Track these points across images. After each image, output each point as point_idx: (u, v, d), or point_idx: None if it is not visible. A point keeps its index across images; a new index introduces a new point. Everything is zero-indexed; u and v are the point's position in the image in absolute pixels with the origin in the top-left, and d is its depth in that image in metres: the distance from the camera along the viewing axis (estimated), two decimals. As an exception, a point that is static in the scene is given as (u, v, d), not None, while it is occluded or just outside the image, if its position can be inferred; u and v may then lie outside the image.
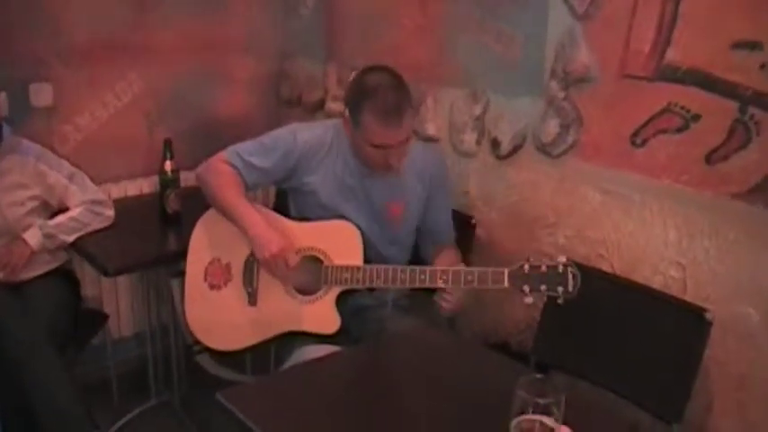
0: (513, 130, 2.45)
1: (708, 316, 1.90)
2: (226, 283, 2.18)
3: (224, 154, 2.22)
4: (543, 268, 1.84)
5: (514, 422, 1.30)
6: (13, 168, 2.50)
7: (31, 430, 2.26)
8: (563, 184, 2.33)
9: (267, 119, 3.36)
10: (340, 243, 2.11)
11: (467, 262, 2.52)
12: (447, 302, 2.04)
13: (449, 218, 2.35)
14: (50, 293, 2.55)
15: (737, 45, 1.84)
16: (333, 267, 2.09)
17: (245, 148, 2.22)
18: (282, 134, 2.23)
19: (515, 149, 2.46)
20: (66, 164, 2.63)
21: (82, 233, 2.59)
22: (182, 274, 2.27)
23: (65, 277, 2.69)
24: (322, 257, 2.11)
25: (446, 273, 1.98)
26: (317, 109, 3.31)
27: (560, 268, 1.84)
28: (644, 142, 2.09)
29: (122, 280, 3.08)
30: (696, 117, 1.96)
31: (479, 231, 2.58)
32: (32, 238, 2.52)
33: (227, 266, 2.19)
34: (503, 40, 2.43)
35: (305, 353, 2.02)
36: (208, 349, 2.24)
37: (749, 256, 1.91)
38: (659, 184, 2.07)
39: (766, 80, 1.80)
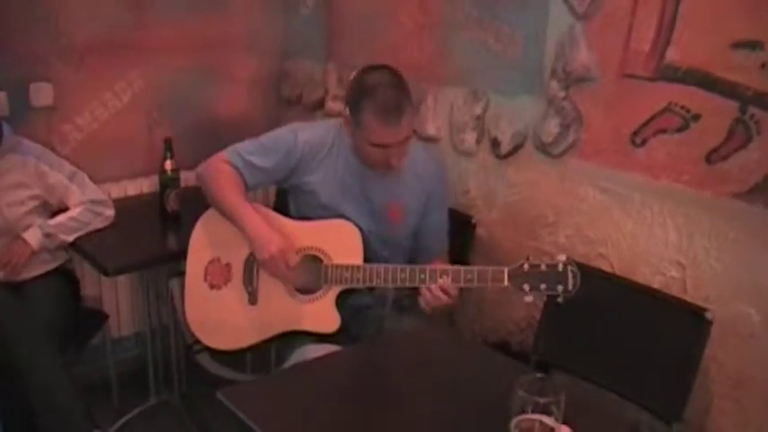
0: (513, 130, 2.45)
1: (708, 315, 1.90)
2: (226, 283, 2.18)
3: (224, 153, 2.22)
4: (543, 267, 1.84)
5: (514, 421, 1.30)
6: (14, 168, 2.50)
7: (31, 429, 2.26)
8: (563, 183, 2.33)
9: (267, 118, 3.36)
10: (340, 242, 2.11)
11: (467, 261, 2.53)
12: (426, 297, 1.98)
13: (443, 230, 2.32)
14: (50, 293, 2.55)
15: (738, 45, 1.84)
16: (333, 267, 2.09)
17: (245, 147, 2.22)
18: (283, 134, 2.23)
19: (515, 149, 2.46)
20: (66, 163, 2.63)
21: (82, 233, 2.59)
22: (182, 273, 2.27)
23: (65, 277, 2.70)
24: (322, 257, 2.11)
25: (446, 272, 1.98)
26: (317, 108, 3.31)
27: (560, 267, 1.83)
28: (644, 142, 2.09)
29: (122, 279, 3.08)
30: (696, 117, 1.96)
31: (479, 231, 2.58)
32: (32, 237, 2.52)
33: (227, 266, 2.19)
34: (503, 39, 2.43)
35: (305, 352, 2.02)
36: (208, 349, 2.24)
37: (749, 256, 1.91)
38: (659, 183, 2.07)
39: (766, 80, 1.80)
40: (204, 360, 2.77)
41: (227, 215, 2.15)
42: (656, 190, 2.08)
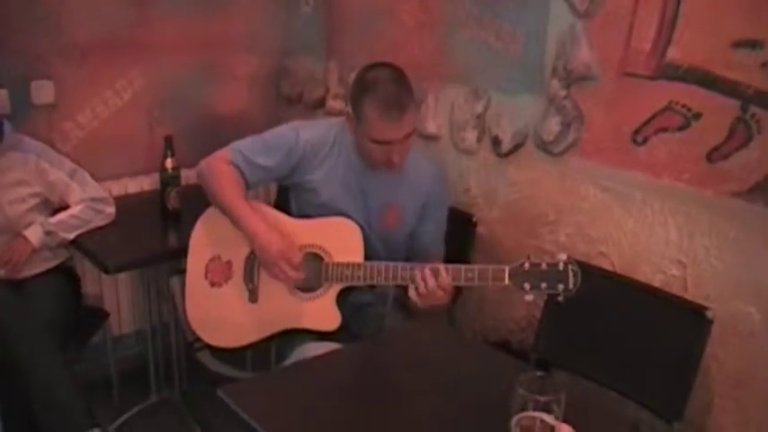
0: (513, 128, 2.45)
1: (709, 314, 1.90)
2: (226, 281, 2.19)
3: (225, 151, 2.22)
4: (544, 266, 1.84)
5: (515, 419, 1.30)
6: (15, 165, 2.51)
7: (31, 427, 2.27)
8: (564, 182, 2.33)
9: (268, 116, 3.36)
10: (341, 240, 2.11)
11: (467, 260, 2.53)
12: (421, 290, 1.96)
13: (440, 234, 2.31)
14: (51, 291, 2.55)
15: (738, 44, 1.84)
16: (333, 264, 2.09)
17: (246, 145, 2.22)
18: (285, 132, 2.23)
19: (516, 147, 2.46)
20: (67, 161, 2.63)
21: (83, 230, 2.59)
22: (182, 271, 2.27)
23: (65, 274, 2.70)
24: (323, 255, 2.11)
25: (446, 270, 1.97)
26: (317, 106, 3.31)
27: (561, 266, 1.83)
28: (645, 140, 2.09)
29: (123, 277, 3.09)
30: (697, 115, 1.96)
31: (480, 229, 2.58)
32: (33, 235, 2.52)
33: (228, 264, 2.19)
34: (503, 37, 2.43)
35: (306, 350, 2.02)
36: (208, 346, 2.24)
37: (749, 255, 1.91)
38: (660, 182, 2.07)
39: (767, 79, 1.80)
40: (205, 358, 2.77)
41: (228, 214, 2.15)
42: (656, 188, 2.08)
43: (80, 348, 2.61)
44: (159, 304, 2.98)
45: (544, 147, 2.36)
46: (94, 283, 3.01)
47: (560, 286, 1.83)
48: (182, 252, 2.29)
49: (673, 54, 1.98)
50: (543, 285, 1.84)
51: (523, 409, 1.29)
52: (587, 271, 1.87)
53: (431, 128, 2.73)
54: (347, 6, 3.08)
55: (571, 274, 1.83)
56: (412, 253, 2.26)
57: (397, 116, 2.00)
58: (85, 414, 2.30)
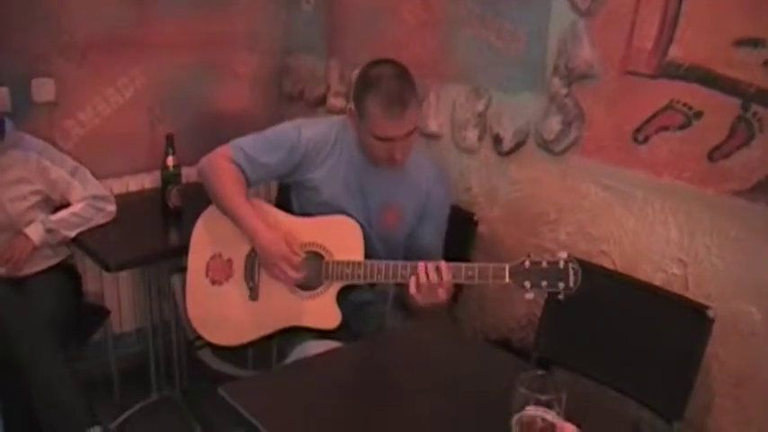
0: (515, 127, 2.45)
1: (710, 313, 1.90)
2: (227, 279, 2.19)
3: (226, 148, 2.22)
4: (544, 264, 1.84)
5: (515, 418, 1.30)
6: (16, 163, 2.51)
7: (32, 425, 2.27)
8: (565, 180, 2.33)
9: (269, 114, 3.36)
10: (341, 238, 2.11)
11: (468, 258, 2.53)
12: (422, 286, 1.94)
13: (440, 237, 2.30)
14: (52, 289, 2.55)
15: (740, 42, 1.83)
16: (334, 263, 2.09)
17: (248, 142, 2.22)
18: (287, 129, 2.23)
19: (517, 146, 2.46)
20: (68, 159, 2.63)
21: (84, 228, 2.60)
22: (183, 269, 2.27)
23: (66, 272, 2.70)
24: (323, 253, 2.11)
25: (447, 267, 1.97)
26: (318, 105, 3.31)
27: (561, 264, 1.83)
28: (646, 139, 2.09)
29: (124, 275, 3.08)
30: (698, 114, 1.95)
31: (481, 228, 2.58)
32: (34, 233, 2.52)
33: (229, 262, 2.19)
34: (505, 36, 2.43)
35: (306, 348, 2.02)
36: (209, 344, 2.24)
37: (750, 254, 1.90)
38: (661, 181, 2.06)
39: (769, 77, 1.80)
40: (205, 356, 2.77)
41: (228, 213, 2.15)
42: (658, 187, 2.08)
43: (81, 346, 2.61)
44: (160, 302, 2.98)
45: (545, 145, 2.36)
46: (95, 280, 3.02)
47: (561, 284, 1.83)
48: (183, 250, 2.29)
49: (674, 52, 1.98)
50: (544, 284, 1.84)
51: (524, 408, 1.29)
52: (588, 269, 1.87)
53: (432, 126, 2.73)
54: (348, 4, 3.07)
55: (572, 272, 1.82)
56: (410, 252, 2.25)
57: (400, 113, 2.00)
58: (86, 412, 2.30)
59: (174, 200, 2.76)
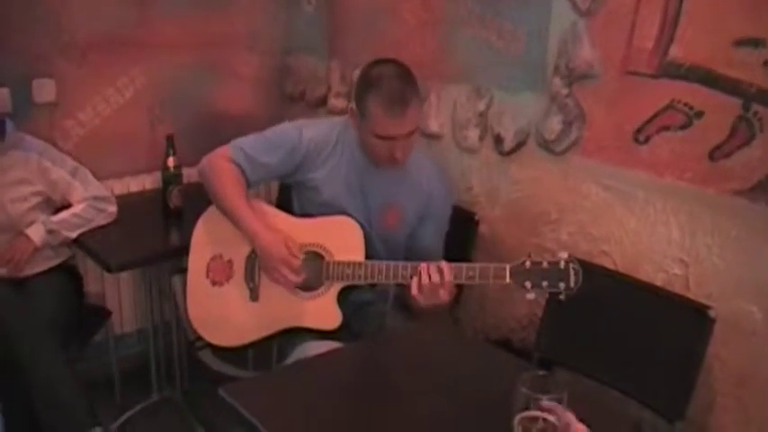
0: (516, 127, 2.45)
1: (711, 313, 1.89)
2: (228, 280, 2.19)
3: (227, 149, 2.22)
4: (545, 264, 1.84)
5: (517, 419, 1.30)
6: (16, 164, 2.51)
7: (33, 425, 2.27)
8: (566, 180, 2.33)
9: (270, 115, 3.35)
10: (342, 239, 2.11)
11: (469, 258, 2.53)
12: (424, 286, 1.94)
13: (440, 238, 2.30)
14: (53, 289, 2.55)
15: (741, 42, 1.83)
16: (334, 263, 2.08)
17: (249, 142, 2.21)
18: (288, 130, 2.23)
19: (518, 146, 2.46)
20: (69, 160, 2.63)
21: (85, 229, 2.60)
22: (184, 270, 2.27)
23: (68, 273, 2.70)
24: (323, 253, 2.11)
25: (448, 267, 1.96)
26: (319, 105, 3.31)
27: (562, 264, 1.83)
28: (647, 139, 2.08)
29: (125, 276, 3.08)
30: (699, 114, 1.95)
31: (482, 228, 2.58)
32: (35, 233, 2.52)
33: (229, 263, 2.19)
34: (505, 36, 2.42)
35: (307, 349, 2.02)
36: (210, 345, 2.24)
37: (751, 254, 1.90)
38: (662, 180, 2.06)
39: (770, 77, 1.80)
40: (206, 357, 2.78)
41: (228, 215, 2.15)
42: (659, 187, 2.08)
43: (82, 347, 2.61)
44: (161, 303, 2.98)
45: (546, 145, 2.36)
46: (96, 281, 3.01)
47: (561, 285, 1.83)
48: (183, 251, 2.29)
49: (675, 52, 1.98)
50: (544, 284, 1.84)
51: (526, 409, 1.29)
52: (589, 270, 1.87)
53: (433, 126, 2.73)
54: (349, 5, 3.07)
55: (572, 272, 1.82)
56: (411, 253, 2.24)
57: (401, 111, 2.00)
58: (87, 413, 2.30)
59: (174, 200, 2.76)
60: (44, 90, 2.85)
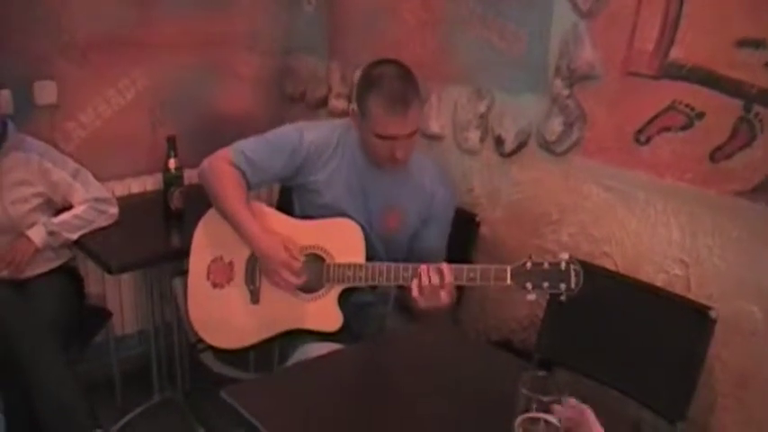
0: (516, 128, 2.45)
1: (712, 314, 1.90)
2: (228, 282, 2.19)
3: (228, 152, 2.21)
4: (546, 265, 1.84)
5: (518, 420, 1.30)
6: (18, 165, 2.51)
7: (34, 427, 2.27)
8: (567, 181, 2.33)
9: (271, 116, 3.37)
10: (342, 241, 2.11)
11: (470, 260, 2.53)
12: (424, 287, 1.94)
13: (443, 240, 2.29)
14: (54, 291, 2.55)
15: (742, 43, 1.83)
16: (335, 265, 2.08)
17: (249, 145, 2.21)
18: (289, 132, 2.22)
19: (519, 147, 2.46)
20: (70, 161, 2.63)
21: (86, 231, 2.60)
22: (185, 272, 2.27)
23: (68, 275, 2.70)
24: (324, 255, 2.11)
25: (449, 269, 1.96)
26: (320, 106, 3.31)
27: (563, 265, 1.83)
28: (648, 140, 2.08)
29: (126, 278, 3.09)
30: (700, 115, 1.95)
31: (483, 229, 2.58)
32: (36, 235, 2.52)
33: (230, 265, 2.19)
34: (507, 36, 2.42)
35: (308, 350, 2.01)
36: (211, 347, 2.24)
37: (752, 254, 1.90)
38: (663, 181, 2.06)
39: (771, 78, 1.80)
40: (207, 359, 2.77)
41: (228, 219, 2.15)
42: (659, 188, 2.08)
43: (83, 348, 2.61)
44: (162, 305, 2.98)
45: (547, 146, 2.36)
46: (97, 283, 3.01)
47: (562, 286, 1.83)
48: (184, 253, 2.28)
49: (676, 53, 1.98)
50: (545, 285, 1.84)
51: (527, 410, 1.29)
52: (590, 271, 1.87)
53: (434, 127, 2.73)
54: (349, 5, 3.07)
55: (573, 273, 1.82)
56: (413, 255, 2.24)
57: (402, 111, 2.00)
58: (88, 414, 2.30)
59: (175, 202, 2.76)
60: (45, 92, 2.85)
